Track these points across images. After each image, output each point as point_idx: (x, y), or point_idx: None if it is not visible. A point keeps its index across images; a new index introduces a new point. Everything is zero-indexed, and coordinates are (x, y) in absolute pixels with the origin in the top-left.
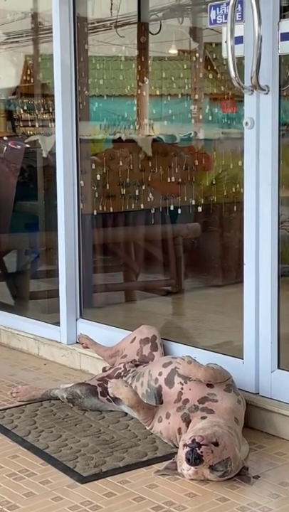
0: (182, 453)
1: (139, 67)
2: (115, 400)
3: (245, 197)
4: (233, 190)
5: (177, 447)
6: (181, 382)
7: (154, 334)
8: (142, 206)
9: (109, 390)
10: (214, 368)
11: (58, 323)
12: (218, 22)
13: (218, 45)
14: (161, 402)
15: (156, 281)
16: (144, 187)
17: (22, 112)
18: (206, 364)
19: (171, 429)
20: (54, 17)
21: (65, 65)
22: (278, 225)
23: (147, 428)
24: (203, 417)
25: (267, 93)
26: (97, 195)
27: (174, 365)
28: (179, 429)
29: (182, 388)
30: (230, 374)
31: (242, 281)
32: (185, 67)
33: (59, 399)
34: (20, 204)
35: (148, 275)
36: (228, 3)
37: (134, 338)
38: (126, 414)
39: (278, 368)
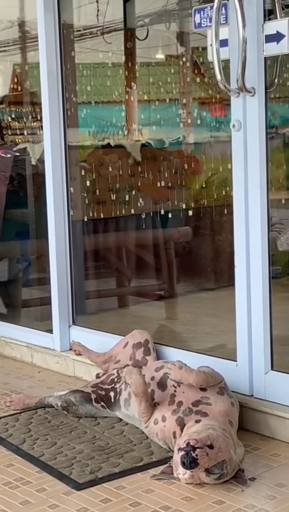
0: (177, 457)
1: (127, 72)
2: (109, 406)
3: (234, 200)
4: (224, 193)
5: (172, 450)
6: (174, 385)
7: (146, 338)
8: (132, 211)
9: (122, 374)
10: (206, 371)
11: (50, 331)
12: (202, 25)
13: (205, 49)
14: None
15: (148, 286)
16: (134, 192)
17: (10, 120)
18: (197, 367)
19: (166, 432)
20: (39, 24)
21: (52, 72)
22: (268, 227)
23: (143, 425)
24: (197, 421)
25: (253, 95)
26: (87, 202)
27: (165, 370)
28: (174, 433)
29: (175, 391)
30: (222, 376)
31: (234, 284)
32: (173, 71)
33: (53, 407)
34: (11, 212)
35: (140, 280)
36: (212, 7)
37: (127, 343)
38: (120, 420)
39: (272, 369)
